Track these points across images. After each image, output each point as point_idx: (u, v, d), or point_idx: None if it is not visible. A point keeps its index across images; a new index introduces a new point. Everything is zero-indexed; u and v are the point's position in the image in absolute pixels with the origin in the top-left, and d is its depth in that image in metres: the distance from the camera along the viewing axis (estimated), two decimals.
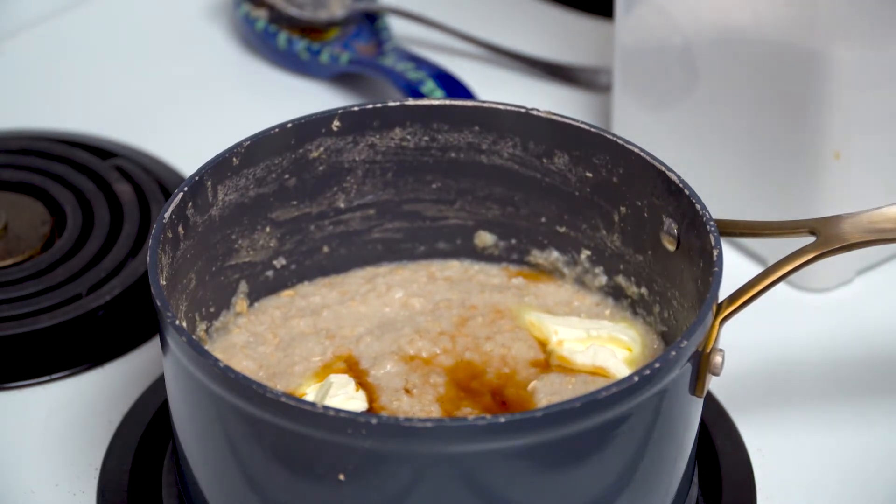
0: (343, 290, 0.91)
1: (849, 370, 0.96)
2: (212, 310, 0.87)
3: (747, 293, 0.77)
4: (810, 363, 0.96)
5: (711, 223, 0.79)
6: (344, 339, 0.88)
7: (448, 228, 0.92)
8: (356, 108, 0.87)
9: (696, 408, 0.78)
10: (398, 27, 1.24)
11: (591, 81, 1.20)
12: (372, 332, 0.88)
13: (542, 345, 0.87)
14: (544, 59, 1.22)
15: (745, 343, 0.93)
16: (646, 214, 0.85)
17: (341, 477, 0.71)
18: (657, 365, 0.72)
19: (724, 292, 0.77)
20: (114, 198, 1.06)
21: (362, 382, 0.84)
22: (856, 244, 0.78)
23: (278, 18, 1.23)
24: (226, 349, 0.87)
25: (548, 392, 0.84)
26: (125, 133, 1.14)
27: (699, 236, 0.80)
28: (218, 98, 1.21)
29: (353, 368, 0.86)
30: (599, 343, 0.87)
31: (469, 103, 0.88)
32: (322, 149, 0.87)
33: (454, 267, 0.93)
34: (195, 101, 1.20)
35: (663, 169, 0.83)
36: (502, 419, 0.69)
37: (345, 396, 0.82)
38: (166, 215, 0.80)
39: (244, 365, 0.86)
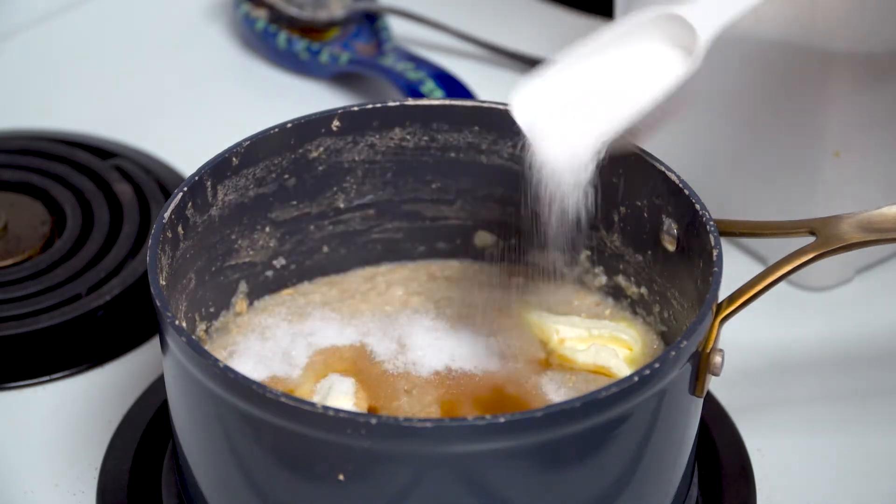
0: (343, 288, 0.91)
1: (849, 369, 0.96)
2: (212, 310, 0.87)
3: (747, 293, 0.77)
4: (810, 363, 0.96)
5: (711, 223, 0.79)
6: (344, 338, 0.87)
7: (448, 228, 0.92)
8: (356, 108, 0.87)
9: (696, 408, 0.78)
10: (398, 27, 1.24)
11: None
12: (372, 330, 0.88)
13: (543, 343, 0.87)
14: (544, 59, 1.21)
15: (745, 343, 0.93)
16: (646, 214, 0.85)
17: (341, 477, 0.71)
18: (657, 365, 0.72)
19: (724, 292, 0.77)
20: (114, 198, 1.06)
21: (362, 382, 0.84)
22: (855, 244, 0.78)
23: (278, 18, 1.23)
24: (226, 349, 0.87)
25: (548, 391, 0.84)
26: (125, 133, 1.14)
27: (699, 236, 0.80)
28: (218, 98, 1.21)
29: (354, 367, 0.85)
30: (601, 342, 0.87)
31: (469, 103, 0.88)
32: (322, 149, 0.87)
33: (454, 266, 0.93)
34: (195, 101, 1.20)
35: (663, 169, 0.83)
36: (502, 419, 0.69)
37: (345, 396, 0.82)
38: (166, 215, 0.80)
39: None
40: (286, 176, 0.87)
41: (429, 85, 1.13)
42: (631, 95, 0.77)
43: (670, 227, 0.83)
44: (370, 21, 1.23)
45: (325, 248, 0.91)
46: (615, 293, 0.90)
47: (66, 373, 0.95)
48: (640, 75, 0.78)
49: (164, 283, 0.78)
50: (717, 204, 0.88)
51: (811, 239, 0.79)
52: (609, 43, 0.80)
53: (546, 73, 0.80)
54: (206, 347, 0.83)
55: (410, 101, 0.88)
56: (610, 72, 0.79)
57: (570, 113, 0.79)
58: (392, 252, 0.93)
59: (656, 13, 0.79)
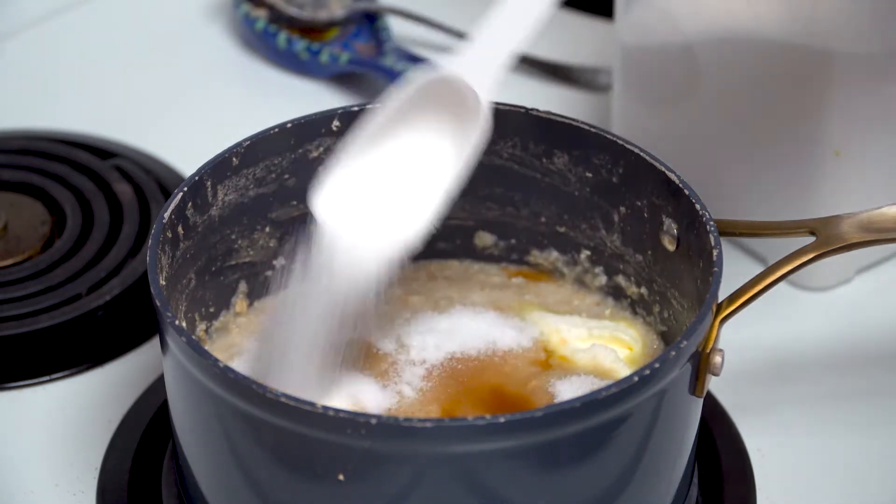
0: None
1: (849, 369, 0.96)
2: (211, 310, 0.87)
3: (747, 293, 0.77)
4: (810, 363, 0.96)
5: (711, 223, 0.79)
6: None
7: (448, 228, 0.92)
8: (356, 108, 0.87)
9: (695, 408, 0.78)
10: (398, 27, 1.24)
11: (591, 81, 1.20)
12: (371, 330, 0.88)
13: (544, 344, 0.87)
14: (544, 59, 1.22)
15: (745, 343, 0.93)
16: (646, 214, 0.85)
17: (341, 477, 0.71)
18: (657, 365, 0.72)
19: (724, 292, 0.77)
20: (114, 198, 1.06)
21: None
22: (855, 244, 0.78)
23: (278, 18, 1.23)
24: (226, 349, 0.87)
25: (548, 391, 0.84)
26: (125, 133, 1.14)
27: (699, 236, 0.80)
28: (218, 98, 1.21)
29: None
30: (601, 342, 0.87)
31: None
32: (322, 149, 0.87)
33: (454, 266, 0.93)
34: (195, 101, 1.20)
35: (663, 169, 0.83)
36: (502, 419, 0.69)
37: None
38: (166, 215, 0.80)
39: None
40: (286, 176, 0.87)
41: None
42: (433, 179, 0.76)
43: (670, 227, 0.83)
44: (370, 21, 1.23)
45: None
46: (615, 293, 0.90)
47: (66, 373, 0.95)
48: (434, 154, 0.76)
49: (164, 283, 0.78)
50: (717, 204, 0.88)
51: (811, 239, 0.79)
52: (392, 119, 0.77)
53: (342, 166, 0.78)
54: (206, 347, 0.83)
55: None
56: (403, 157, 0.77)
57: (375, 209, 0.77)
58: None
59: (426, 79, 0.77)
